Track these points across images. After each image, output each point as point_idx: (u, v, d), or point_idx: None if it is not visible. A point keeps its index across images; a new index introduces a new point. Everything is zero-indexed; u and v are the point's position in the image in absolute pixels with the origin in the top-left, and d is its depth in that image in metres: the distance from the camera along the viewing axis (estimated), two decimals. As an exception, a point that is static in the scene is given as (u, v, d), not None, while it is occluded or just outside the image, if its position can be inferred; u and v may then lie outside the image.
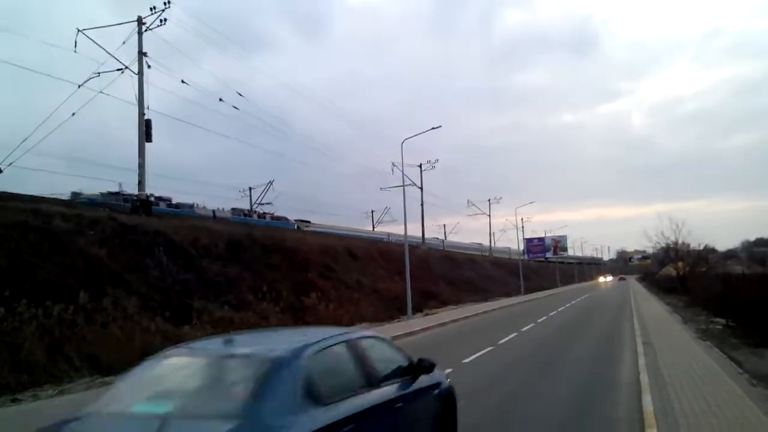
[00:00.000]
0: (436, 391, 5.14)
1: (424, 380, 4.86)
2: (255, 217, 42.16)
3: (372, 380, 4.11)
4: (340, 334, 4.33)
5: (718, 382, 9.34)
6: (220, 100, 26.45)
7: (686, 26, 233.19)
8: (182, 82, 24.90)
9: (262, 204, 50.17)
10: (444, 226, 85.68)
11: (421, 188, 50.61)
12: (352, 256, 33.16)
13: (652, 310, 28.26)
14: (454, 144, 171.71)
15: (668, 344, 14.42)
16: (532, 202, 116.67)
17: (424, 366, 4.97)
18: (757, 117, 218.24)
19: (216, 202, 43.92)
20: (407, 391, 4.46)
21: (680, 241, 48.24)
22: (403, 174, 30.67)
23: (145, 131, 22.86)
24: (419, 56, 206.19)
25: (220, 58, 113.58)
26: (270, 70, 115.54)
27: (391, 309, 28.01)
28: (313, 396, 3.26)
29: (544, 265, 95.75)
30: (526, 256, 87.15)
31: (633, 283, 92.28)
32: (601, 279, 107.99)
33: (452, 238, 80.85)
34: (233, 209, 42.23)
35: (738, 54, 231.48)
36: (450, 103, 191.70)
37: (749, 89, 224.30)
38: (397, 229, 59.39)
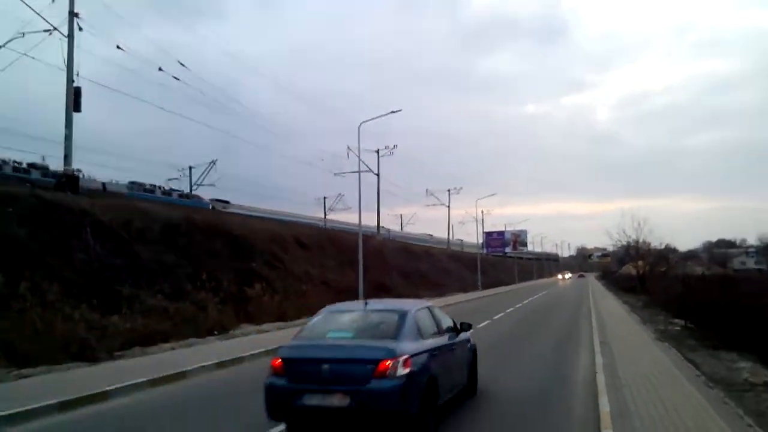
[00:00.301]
0: (469, 345, 8.86)
1: (463, 336, 8.42)
2: (158, 193, 37.41)
3: (439, 330, 7.38)
4: (423, 302, 7.91)
5: (676, 385, 9.58)
6: (160, 69, 25.58)
7: (657, 20, 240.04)
8: (117, 48, 23.99)
9: (201, 185, 48.89)
10: (401, 216, 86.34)
11: (378, 175, 50.81)
12: (301, 244, 32.84)
13: (610, 309, 28.96)
14: (414, 130, 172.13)
15: (626, 344, 14.77)
16: (493, 194, 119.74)
17: (464, 326, 8.56)
18: (725, 116, 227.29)
19: (153, 181, 42.37)
20: (455, 340, 7.86)
21: (641, 240, 49.68)
22: (360, 159, 30.53)
23: (74, 100, 21.91)
24: (382, 34, 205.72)
25: (162, 23, 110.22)
26: (216, 39, 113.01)
27: (342, 301, 27.74)
28: (418, 333, 6.45)
29: (503, 260, 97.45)
30: (484, 250, 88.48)
31: (592, 281, 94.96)
32: (560, 276, 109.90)
33: (410, 229, 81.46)
34: (131, 183, 37.91)
35: (708, 51, 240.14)
36: (412, 86, 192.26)
37: (718, 87, 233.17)
38: (350, 218, 59.18)
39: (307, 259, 31.53)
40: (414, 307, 7.24)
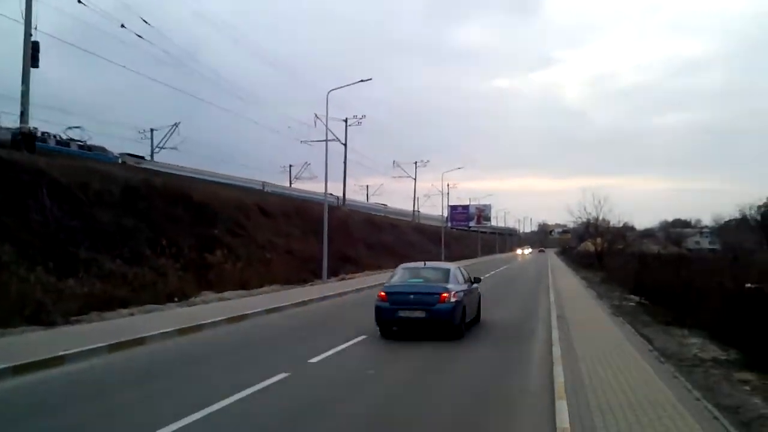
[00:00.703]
0: (478, 290, 14.03)
1: (474, 285, 13.45)
2: (52, 143, 30.40)
3: (465, 280, 12.65)
4: (455, 264, 14.66)
5: (629, 358, 9.89)
6: (122, 26, 24.69)
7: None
8: (79, 1, 23.01)
9: (163, 148, 47.67)
10: (367, 187, 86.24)
11: (345, 145, 50.60)
12: (265, 212, 32.58)
13: (568, 285, 29.61)
14: (384, 100, 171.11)
15: (582, 319, 15.14)
16: (460, 168, 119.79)
17: (476, 280, 13.96)
18: (690, 97, 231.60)
19: (113, 143, 41.18)
20: (471, 287, 12.90)
21: (601, 218, 50.65)
22: (327, 128, 30.19)
23: (32, 55, 21.04)
24: (355, 1, 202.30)
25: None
26: None
27: (306, 271, 27.91)
28: (456, 280, 11.81)
29: (466, 234, 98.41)
30: (449, 224, 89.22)
31: (552, 256, 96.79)
32: (519, 251, 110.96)
33: (376, 200, 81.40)
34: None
35: (677, 31, 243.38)
36: (383, 56, 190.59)
37: (686, 68, 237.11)
38: (316, 187, 58.84)
39: (272, 228, 31.32)
40: (452, 266, 13.34)
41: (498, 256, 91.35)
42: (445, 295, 11.55)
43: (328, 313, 17.16)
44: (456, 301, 11.64)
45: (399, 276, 12.91)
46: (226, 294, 19.42)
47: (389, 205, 79.85)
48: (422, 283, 12.17)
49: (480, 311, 14.42)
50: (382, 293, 11.93)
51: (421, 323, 11.59)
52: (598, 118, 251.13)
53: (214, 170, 42.29)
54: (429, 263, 13.67)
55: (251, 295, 20.28)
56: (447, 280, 12.17)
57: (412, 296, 11.67)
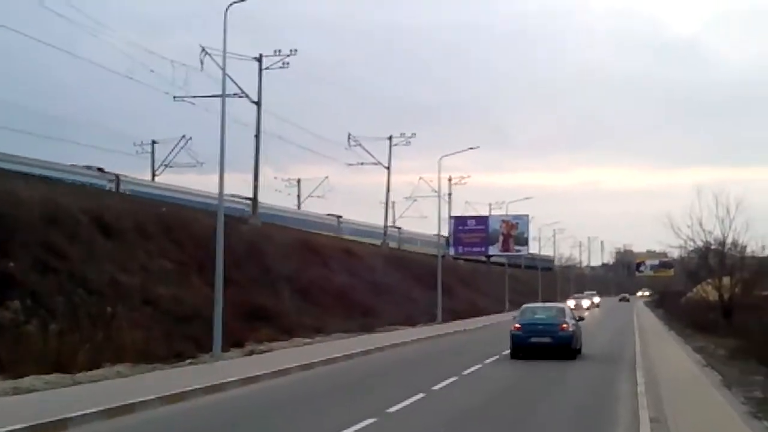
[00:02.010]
0: (580, 327, 34.42)
1: (580, 322, 35.25)
2: None
3: (573, 317, 33.96)
4: (565, 304, 48.08)
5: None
6: None
7: None
8: None
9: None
10: (299, 183, 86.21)
11: (258, 104, 50.42)
12: (104, 228, 32.35)
13: (669, 360, 30.26)
14: (331, 22, 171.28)
15: (693, 423, 15.19)
16: (472, 148, 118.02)
17: (581, 319, 36.21)
18: None
19: None
20: (579, 323, 34.21)
21: (730, 240, 51.27)
22: (225, 73, 30.05)
23: None
24: None
25: None
26: None
27: (183, 338, 27.87)
28: (569, 316, 32.98)
29: (484, 269, 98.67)
30: (451, 250, 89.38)
31: (640, 308, 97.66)
32: (571, 302, 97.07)
33: (315, 206, 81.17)
34: None
35: None
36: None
37: None
38: (202, 182, 58.35)
39: (118, 257, 31.10)
40: (564, 305, 39.35)
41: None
42: (564, 325, 30.30)
43: None
44: (573, 331, 30.52)
45: (525, 314, 32.88)
46: (26, 380, 19.02)
47: (344, 216, 79.82)
48: (546, 318, 31.45)
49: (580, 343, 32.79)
50: (518, 325, 31.09)
51: (547, 347, 30.12)
52: (727, 56, 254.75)
53: (10, 151, 41.60)
54: (547, 304, 41.99)
55: (75, 384, 19.88)
56: (564, 315, 31.44)
57: (540, 327, 30.61)
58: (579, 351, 31.77)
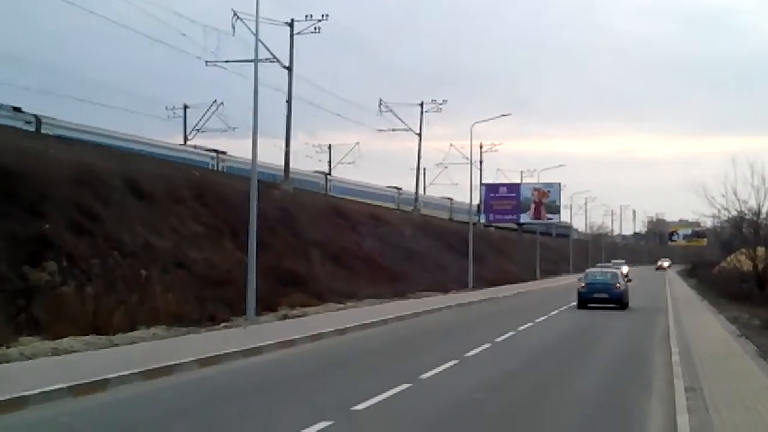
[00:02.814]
0: (629, 286, 48.56)
1: (629, 282, 52.95)
2: None
3: (624, 278, 49.36)
4: (620, 268, 67.65)
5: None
6: None
7: None
8: None
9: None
10: (330, 148, 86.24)
11: (290, 69, 50.35)
12: (137, 192, 32.60)
13: (704, 328, 30.36)
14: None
15: (729, 393, 15.28)
16: (504, 115, 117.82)
17: (629, 280, 55.33)
18: None
19: None
20: (628, 283, 48.88)
21: (765, 210, 50.99)
22: (257, 37, 29.97)
23: None
24: None
25: None
26: None
27: (216, 302, 28.11)
28: (621, 278, 46.67)
29: (515, 236, 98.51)
30: (482, 218, 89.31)
31: (673, 277, 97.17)
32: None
33: (347, 172, 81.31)
34: None
35: None
36: None
37: None
38: (234, 147, 58.42)
39: (151, 221, 31.34)
40: (618, 270, 52.18)
41: (574, 277, 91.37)
42: (618, 285, 43.04)
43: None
44: (624, 289, 43.32)
45: (588, 276, 45.21)
46: (66, 341, 19.29)
47: (372, 183, 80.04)
48: (604, 279, 44.43)
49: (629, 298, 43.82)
50: (583, 284, 43.27)
51: (605, 300, 42.09)
52: (761, 21, 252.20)
53: (38, 112, 41.60)
54: (604, 269, 53.33)
55: (112, 344, 20.14)
56: (617, 278, 44.44)
57: (599, 285, 43.04)
58: (627, 304, 42.86)
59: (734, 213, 54.24)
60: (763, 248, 49.51)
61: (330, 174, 74.37)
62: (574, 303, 42.92)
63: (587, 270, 50.43)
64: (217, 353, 19.10)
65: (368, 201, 66.13)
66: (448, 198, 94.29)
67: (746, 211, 52.16)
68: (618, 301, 42.13)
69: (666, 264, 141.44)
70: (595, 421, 13.68)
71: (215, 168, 52.22)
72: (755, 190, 50.06)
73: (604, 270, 50.48)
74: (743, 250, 54.63)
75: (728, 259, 65.19)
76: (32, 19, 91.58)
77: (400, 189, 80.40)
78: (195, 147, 52.39)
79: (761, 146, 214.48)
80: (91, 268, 24.69)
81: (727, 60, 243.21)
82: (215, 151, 53.82)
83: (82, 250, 25.27)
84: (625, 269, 71.97)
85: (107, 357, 18.26)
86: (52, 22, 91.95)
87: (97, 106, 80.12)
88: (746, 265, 52.69)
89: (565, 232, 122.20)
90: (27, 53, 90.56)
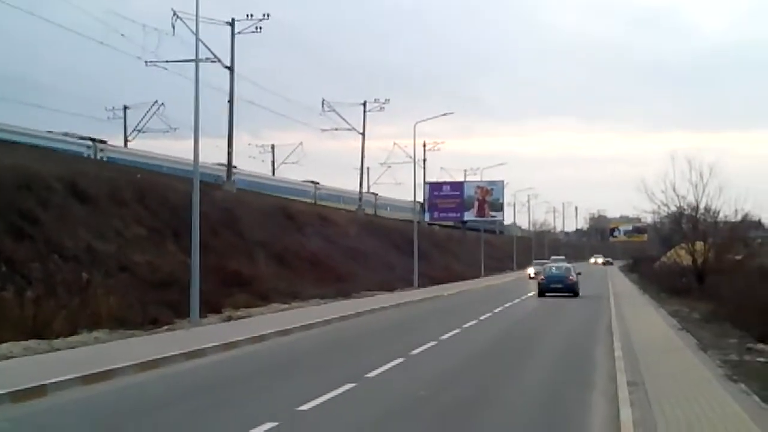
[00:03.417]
0: (578, 278, 54.74)
1: (579, 274, 56.36)
2: None
3: (574, 272, 55.65)
4: (570, 264, 70.39)
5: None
6: None
7: None
8: None
9: None
10: (273, 148, 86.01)
11: (231, 69, 50.17)
12: (79, 195, 32.46)
13: (645, 322, 30.70)
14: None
15: (671, 387, 15.44)
16: (446, 114, 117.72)
17: (578, 273, 56.18)
18: None
19: None
20: (578, 276, 54.90)
21: (703, 205, 51.59)
22: (198, 38, 29.77)
23: None
24: None
25: None
26: None
27: (159, 305, 27.89)
28: (572, 271, 55.00)
29: (459, 236, 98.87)
30: (426, 216, 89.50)
31: (614, 273, 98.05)
32: (531, 270, 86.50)
33: (290, 172, 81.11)
34: None
35: None
36: None
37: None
38: (176, 148, 57.88)
39: (93, 224, 31.14)
40: (571, 264, 64.37)
41: (518, 274, 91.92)
42: (571, 277, 51.35)
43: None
44: (575, 281, 51.35)
45: (546, 270, 54.88)
46: (5, 348, 19.02)
47: (320, 182, 79.66)
48: (559, 273, 53.27)
49: (578, 290, 50.94)
50: (542, 277, 52.57)
51: (560, 290, 50.02)
52: (704, 24, 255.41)
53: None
54: (558, 264, 63.55)
55: (53, 349, 19.90)
56: (570, 272, 52.94)
57: (555, 278, 51.67)
58: (578, 293, 50.07)
59: (674, 209, 54.79)
60: (702, 243, 50.18)
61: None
62: (517, 300, 45.39)
63: (546, 265, 62.47)
64: (159, 356, 18.88)
65: (279, 195, 63.77)
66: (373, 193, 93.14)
67: (685, 207, 52.69)
68: (571, 290, 50.04)
69: (600, 260, 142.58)
70: (539, 416, 13.74)
71: (93, 157, 48.68)
72: (693, 186, 50.62)
73: (559, 265, 60.11)
74: (683, 245, 55.18)
75: (668, 254, 65.88)
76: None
77: (317, 183, 79.56)
78: (66, 134, 49.02)
79: (700, 143, 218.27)
80: (32, 272, 24.54)
81: (669, 59, 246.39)
82: (92, 139, 50.48)
83: (22, 255, 25.16)
84: (553, 267, 72.00)
85: (47, 362, 17.99)
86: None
87: (31, 108, 79.15)
88: (686, 260, 53.26)
89: (493, 227, 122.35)
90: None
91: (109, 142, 53.58)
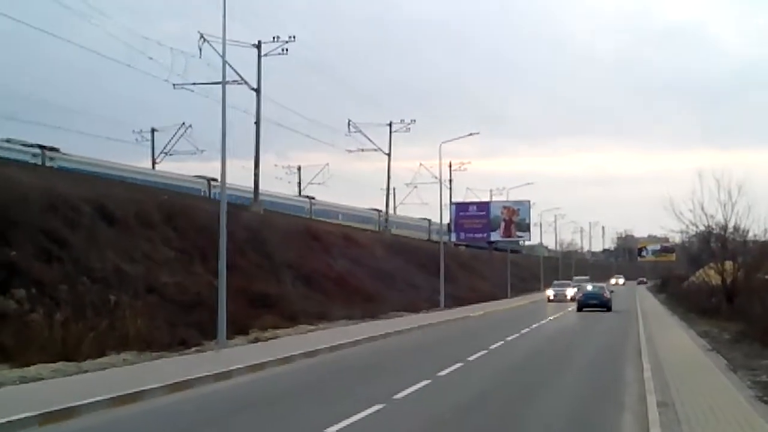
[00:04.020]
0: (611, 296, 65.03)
1: (612, 292, 70.11)
2: None
3: (610, 290, 70.22)
4: (606, 284, 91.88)
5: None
6: None
7: None
8: None
9: None
10: (299, 169, 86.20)
11: (258, 90, 50.28)
12: (107, 216, 32.58)
13: (674, 343, 30.62)
14: (329, 8, 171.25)
15: (701, 408, 15.35)
16: (472, 134, 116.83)
17: (612, 291, 73.91)
18: None
19: None
20: (612, 293, 67.29)
21: (732, 224, 51.17)
22: (225, 60, 29.94)
23: None
24: None
25: None
26: None
27: (187, 326, 27.96)
28: (606, 290, 66.82)
29: (486, 255, 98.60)
30: (452, 237, 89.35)
31: (642, 293, 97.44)
32: (550, 291, 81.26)
33: (317, 192, 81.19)
34: None
35: None
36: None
37: None
38: (203, 169, 58.20)
39: (121, 245, 31.24)
40: (605, 284, 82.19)
41: (544, 295, 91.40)
42: (606, 294, 61.66)
43: None
44: (609, 297, 61.41)
45: (583, 289, 66.25)
46: (33, 369, 19.12)
47: (343, 203, 79.82)
48: (595, 291, 63.68)
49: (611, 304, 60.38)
50: (580, 295, 62.79)
51: (596, 305, 58.92)
52: (730, 41, 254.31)
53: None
54: (595, 283, 75.48)
55: (82, 371, 19.98)
56: (604, 290, 64.09)
57: (592, 295, 61.63)
58: (611, 308, 58.08)
59: (702, 228, 54.28)
60: (731, 262, 49.78)
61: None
62: (543, 321, 45.41)
63: (584, 285, 72.45)
64: (187, 378, 18.93)
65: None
66: (426, 219, 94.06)
67: (713, 226, 52.22)
68: (605, 305, 58.60)
69: (621, 281, 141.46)
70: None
71: (42, 165, 44.34)
72: (722, 205, 50.17)
73: (595, 284, 71.63)
74: (711, 264, 54.81)
75: (697, 273, 65.54)
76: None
77: (379, 210, 79.64)
78: (9, 140, 45.17)
79: (727, 161, 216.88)
80: (60, 294, 24.49)
81: (695, 76, 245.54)
82: (41, 146, 46.23)
83: (51, 277, 25.15)
84: (588, 288, 71.45)
85: (76, 384, 18.07)
86: (17, 49, 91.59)
87: (60, 131, 79.99)
88: (715, 280, 52.87)
89: (515, 247, 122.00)
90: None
91: (61, 150, 48.65)
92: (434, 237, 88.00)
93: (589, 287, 66.46)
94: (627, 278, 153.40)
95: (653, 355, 25.80)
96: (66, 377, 19.05)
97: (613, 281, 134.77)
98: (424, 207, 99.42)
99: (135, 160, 61.47)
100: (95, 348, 22.30)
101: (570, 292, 77.17)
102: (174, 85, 48.06)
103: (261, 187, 53.45)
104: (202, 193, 51.57)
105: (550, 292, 78.06)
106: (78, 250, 28.07)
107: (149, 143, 69.31)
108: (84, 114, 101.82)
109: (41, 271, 24.82)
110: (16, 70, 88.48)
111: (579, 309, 58.39)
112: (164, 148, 67.60)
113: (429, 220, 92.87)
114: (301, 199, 73.03)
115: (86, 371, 20.06)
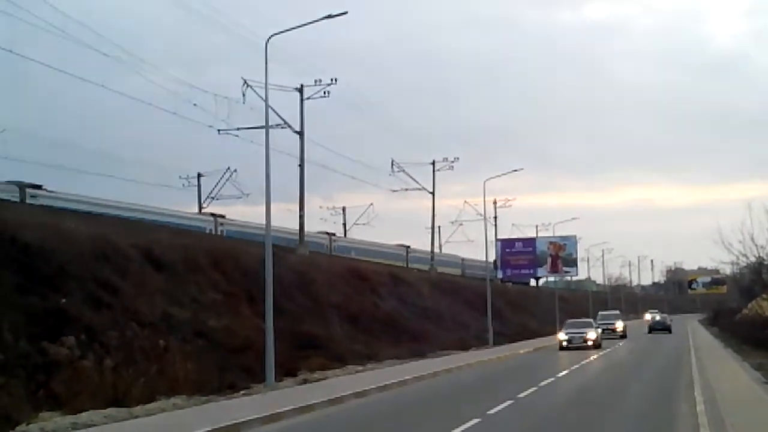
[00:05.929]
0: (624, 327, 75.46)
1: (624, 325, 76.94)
2: None
3: (670, 319, 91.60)
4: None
5: None
6: None
7: None
8: None
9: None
10: (344, 210, 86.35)
11: (301, 134, 50.58)
12: (154, 263, 32.87)
13: (728, 375, 30.00)
14: (370, 52, 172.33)
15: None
16: (516, 170, 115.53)
17: (671, 319, 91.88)
18: None
19: None
20: (626, 324, 77.91)
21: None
22: (268, 104, 30.23)
23: None
24: None
25: None
26: None
27: (235, 369, 28.11)
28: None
29: (533, 291, 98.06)
30: (499, 274, 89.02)
31: (694, 326, 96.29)
32: (563, 336, 56.90)
33: (361, 233, 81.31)
34: None
35: None
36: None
37: None
38: (247, 213, 58.41)
39: (168, 291, 31.46)
40: (667, 315, 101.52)
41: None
42: (668, 322, 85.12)
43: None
44: (670, 324, 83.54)
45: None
46: (84, 416, 19.21)
47: (383, 242, 79.67)
48: (660, 320, 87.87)
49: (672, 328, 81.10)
50: (650, 324, 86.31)
51: (661, 329, 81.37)
52: None
53: (52, 186, 41.35)
54: (663, 315, 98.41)
55: (132, 416, 20.05)
56: (666, 319, 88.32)
57: (659, 323, 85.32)
58: (671, 330, 75.33)
59: (753, 259, 54.02)
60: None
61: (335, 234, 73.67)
62: (593, 357, 44.75)
63: (652, 317, 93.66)
64: (236, 421, 18.92)
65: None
66: (458, 255, 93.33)
67: (765, 257, 51.90)
68: (668, 329, 78.52)
69: (658, 317, 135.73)
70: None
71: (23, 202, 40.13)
72: (772, 236, 49.83)
73: (661, 315, 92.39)
74: (764, 295, 54.34)
75: (749, 305, 64.78)
76: (40, 93, 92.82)
77: (410, 247, 79.43)
78: None
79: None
80: (110, 340, 24.71)
81: (740, 106, 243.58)
82: (19, 184, 41.22)
83: (101, 323, 25.35)
84: (620, 324, 68.49)
85: (127, 430, 18.25)
86: (64, 98, 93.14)
87: (109, 179, 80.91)
88: (766, 310, 52.34)
89: (579, 287, 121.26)
90: (38, 128, 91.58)
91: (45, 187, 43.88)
92: (472, 273, 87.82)
93: (657, 317, 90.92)
94: (677, 311, 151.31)
95: (706, 386, 25.46)
96: (117, 422, 19.16)
97: (648, 316, 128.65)
98: (469, 245, 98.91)
99: (183, 206, 61.83)
100: (145, 393, 22.47)
101: (592, 334, 53.95)
102: (219, 130, 48.38)
103: (306, 228, 53.67)
104: (209, 231, 51.42)
105: (562, 336, 54.30)
106: (127, 295, 28.33)
107: (195, 188, 69.78)
108: (132, 162, 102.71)
109: (91, 317, 25.01)
110: (59, 118, 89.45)
111: (649, 331, 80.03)
112: (210, 192, 67.92)
113: (462, 259, 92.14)
114: (321, 236, 71.91)
115: (137, 416, 20.16)
